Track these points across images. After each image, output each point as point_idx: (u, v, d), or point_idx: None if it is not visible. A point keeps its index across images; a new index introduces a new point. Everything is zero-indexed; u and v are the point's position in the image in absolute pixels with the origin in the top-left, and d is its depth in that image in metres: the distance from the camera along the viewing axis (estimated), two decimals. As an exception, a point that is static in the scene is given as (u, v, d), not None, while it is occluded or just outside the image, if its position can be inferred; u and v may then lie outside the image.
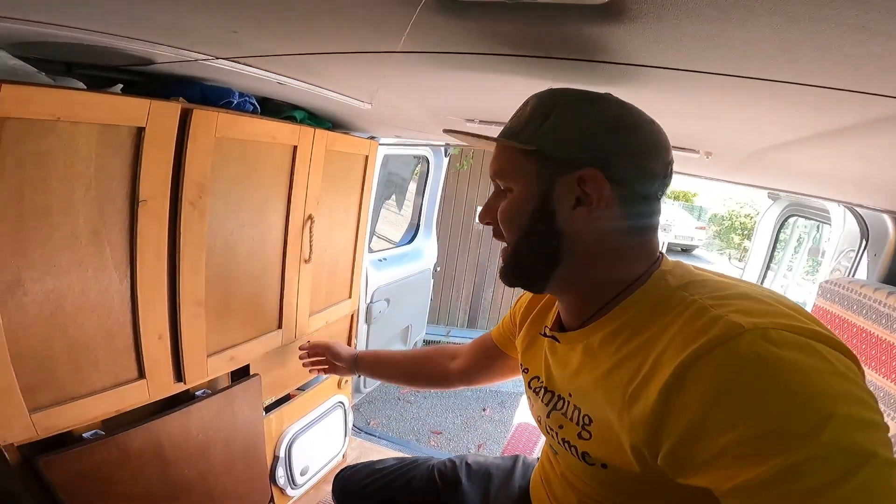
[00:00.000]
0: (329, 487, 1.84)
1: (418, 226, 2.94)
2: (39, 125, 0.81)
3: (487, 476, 1.07)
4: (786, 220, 2.55)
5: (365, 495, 1.12)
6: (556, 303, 0.80)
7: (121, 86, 1.00)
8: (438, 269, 3.08)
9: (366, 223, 1.86)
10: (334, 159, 1.56)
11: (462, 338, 4.46)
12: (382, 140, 2.05)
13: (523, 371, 0.88)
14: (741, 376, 0.49)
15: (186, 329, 1.16)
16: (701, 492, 0.51)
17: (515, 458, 1.11)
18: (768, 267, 2.69)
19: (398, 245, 2.94)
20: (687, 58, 0.57)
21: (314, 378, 1.85)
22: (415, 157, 2.96)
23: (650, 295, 0.63)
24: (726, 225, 12.14)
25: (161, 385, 1.16)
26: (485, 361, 1.11)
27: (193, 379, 1.24)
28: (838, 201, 1.75)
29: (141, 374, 1.11)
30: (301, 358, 1.43)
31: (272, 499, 1.71)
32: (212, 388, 1.35)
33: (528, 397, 0.86)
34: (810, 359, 0.49)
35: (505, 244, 0.70)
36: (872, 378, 1.31)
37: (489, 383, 1.18)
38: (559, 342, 0.75)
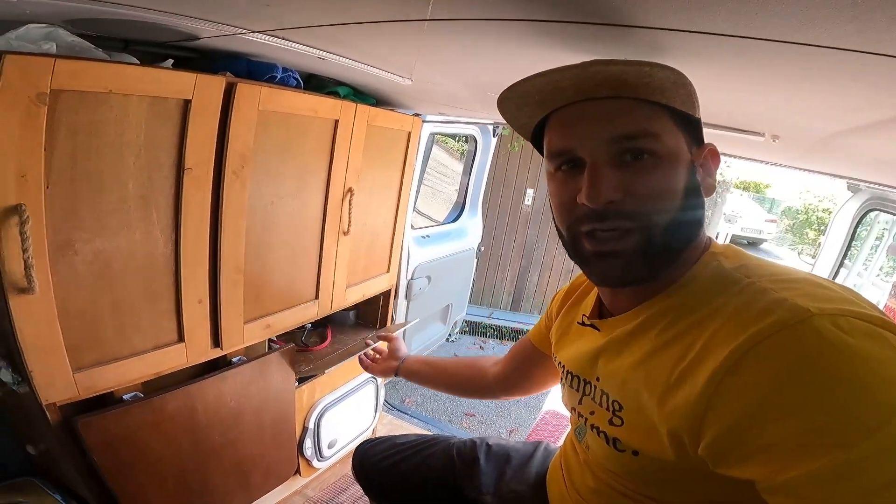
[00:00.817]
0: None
1: (464, 204, 2.93)
2: (92, 97, 0.87)
3: (506, 458, 1.07)
4: (865, 214, 2.37)
5: (382, 468, 1.13)
6: (595, 290, 0.77)
7: (171, 61, 1.05)
8: (483, 248, 3.08)
9: (407, 199, 1.88)
10: (376, 134, 1.58)
11: (505, 320, 4.46)
12: (428, 118, 2.05)
13: (556, 362, 0.86)
14: (807, 363, 0.46)
15: (225, 295, 1.22)
16: (735, 486, 0.49)
17: (537, 444, 1.10)
18: (842, 264, 2.51)
19: (442, 223, 2.95)
20: (744, 24, 0.51)
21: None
22: (462, 136, 2.93)
23: (701, 276, 0.60)
24: (801, 219, 11.37)
25: (199, 349, 1.23)
26: (523, 367, 1.07)
27: (230, 345, 1.30)
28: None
29: (180, 338, 1.17)
30: (366, 345, 1.41)
31: (298, 470, 1.77)
32: (247, 356, 1.41)
33: (562, 385, 0.84)
34: (881, 349, 0.45)
35: (627, 227, 0.58)
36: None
37: (529, 393, 1.13)
38: (599, 330, 0.72)
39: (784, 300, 0.49)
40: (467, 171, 2.88)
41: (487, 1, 0.61)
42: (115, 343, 1.05)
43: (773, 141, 1.19)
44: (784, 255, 10.97)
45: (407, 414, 2.54)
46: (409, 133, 1.77)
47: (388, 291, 1.99)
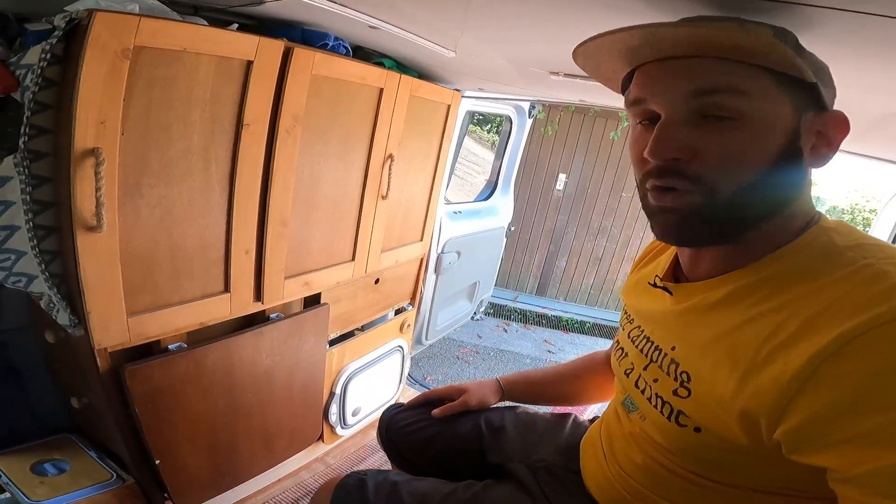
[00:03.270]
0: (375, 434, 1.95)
1: (496, 183, 2.96)
2: (169, 54, 0.94)
3: (534, 426, 1.05)
4: None
5: (407, 433, 1.09)
6: (672, 248, 0.75)
7: (236, 25, 1.11)
8: (513, 228, 3.11)
9: (443, 170, 1.93)
10: (417, 105, 1.63)
11: (530, 305, 4.50)
12: (467, 93, 2.08)
13: (626, 318, 0.83)
14: None
15: (270, 247, 1.30)
16: (799, 472, 0.49)
17: (566, 415, 1.08)
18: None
19: (475, 200, 2.99)
20: None
21: (379, 317, 1.96)
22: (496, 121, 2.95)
23: (807, 251, 0.56)
24: (846, 219, 10.92)
25: (242, 302, 1.30)
26: None
27: (271, 300, 1.38)
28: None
29: (226, 288, 1.25)
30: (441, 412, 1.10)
31: (322, 436, 1.82)
32: (284, 314, 1.48)
33: (622, 348, 0.80)
34: None
35: (686, 186, 0.55)
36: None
37: None
38: (671, 294, 0.68)
39: None
40: (501, 150, 2.91)
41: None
42: (168, 289, 1.13)
43: None
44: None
45: (429, 388, 2.59)
46: (449, 106, 1.82)
47: (420, 260, 2.05)
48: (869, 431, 0.43)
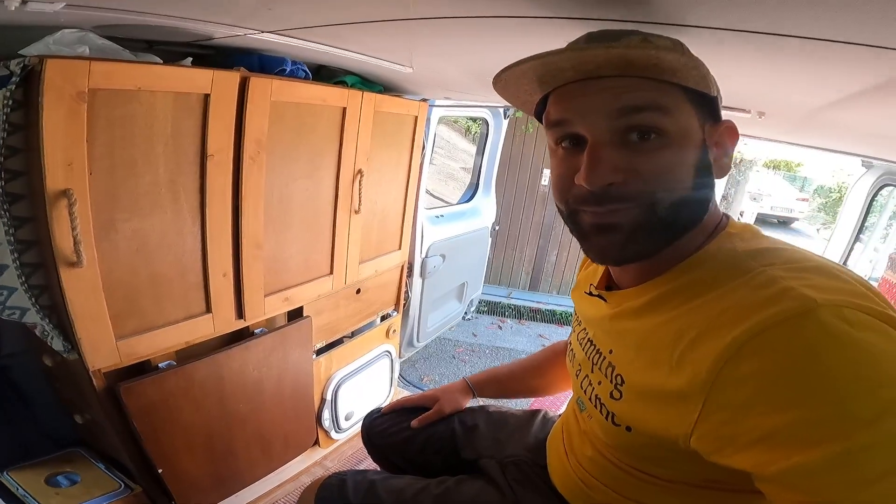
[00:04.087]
0: None
1: (477, 185, 3.02)
2: (124, 94, 1.00)
3: (504, 423, 1.10)
4: (879, 189, 2.39)
5: (387, 435, 1.15)
6: None
7: (191, 59, 1.17)
8: (498, 227, 3.16)
9: (417, 179, 1.99)
10: (384, 119, 1.69)
11: (523, 300, 4.55)
12: (438, 102, 2.14)
13: (576, 320, 0.86)
14: (810, 354, 0.45)
15: (247, 269, 1.36)
16: (725, 470, 0.49)
17: (536, 412, 1.12)
18: (857, 239, 2.52)
19: (457, 203, 3.05)
20: (730, 17, 0.57)
21: (364, 325, 2.02)
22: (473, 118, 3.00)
23: (714, 258, 0.58)
24: (834, 197, 10.98)
25: (224, 320, 1.37)
26: None
27: (252, 316, 1.44)
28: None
29: (208, 309, 1.31)
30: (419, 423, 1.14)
31: (317, 441, 1.90)
32: (268, 328, 1.54)
33: (573, 350, 0.84)
34: (885, 343, 0.45)
35: (626, 206, 0.57)
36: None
37: None
38: (605, 301, 0.71)
39: (791, 289, 0.48)
40: (480, 152, 2.96)
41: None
42: (151, 313, 1.19)
43: (760, 117, 1.25)
44: (814, 235, 10.69)
45: (421, 389, 2.64)
46: (416, 117, 1.87)
47: (401, 267, 2.11)
48: (772, 432, 0.45)
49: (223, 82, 1.15)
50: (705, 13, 0.57)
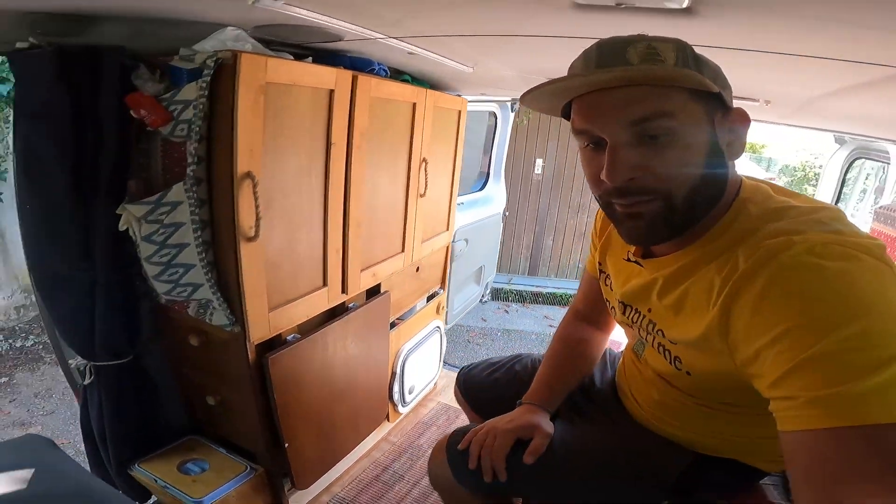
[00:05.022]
0: (426, 410, 2.33)
1: (488, 174, 3.24)
2: (283, 87, 1.16)
3: None
4: (852, 162, 2.72)
5: (484, 385, 1.27)
6: None
7: (311, 58, 1.34)
8: (507, 213, 3.40)
9: (460, 167, 2.21)
10: (438, 114, 1.90)
11: (524, 285, 4.83)
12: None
13: (604, 281, 0.99)
14: (783, 282, 0.56)
15: (351, 245, 1.53)
16: None
17: (606, 351, 1.23)
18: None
19: (471, 191, 3.26)
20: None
21: (425, 296, 2.22)
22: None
23: (732, 225, 0.68)
24: (799, 175, 11.75)
25: (334, 294, 1.53)
26: (600, 297, 1.06)
27: (353, 290, 1.60)
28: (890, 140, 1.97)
29: (324, 283, 1.48)
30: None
31: (387, 415, 2.03)
32: (357, 303, 1.70)
33: (613, 308, 0.96)
34: (851, 266, 0.54)
35: (647, 198, 0.66)
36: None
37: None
38: (643, 267, 0.82)
39: (778, 237, 0.60)
40: (490, 143, 3.19)
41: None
42: (289, 286, 1.35)
43: (766, 105, 1.53)
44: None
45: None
46: (459, 112, 2.09)
47: (446, 248, 2.32)
48: (764, 349, 0.56)
49: (342, 79, 1.34)
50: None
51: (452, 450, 1.04)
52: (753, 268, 0.59)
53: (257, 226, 1.15)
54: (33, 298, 3.55)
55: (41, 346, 3.28)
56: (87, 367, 1.34)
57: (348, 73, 1.36)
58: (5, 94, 3.12)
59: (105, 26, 1.05)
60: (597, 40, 0.68)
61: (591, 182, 0.73)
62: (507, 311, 4.53)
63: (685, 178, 0.65)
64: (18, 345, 3.25)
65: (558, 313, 4.52)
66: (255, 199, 1.12)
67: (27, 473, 0.88)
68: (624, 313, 0.89)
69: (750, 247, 0.62)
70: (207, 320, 1.24)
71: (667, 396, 0.87)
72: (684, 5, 0.70)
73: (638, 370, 0.95)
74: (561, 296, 4.70)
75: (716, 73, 0.66)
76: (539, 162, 4.65)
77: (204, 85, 1.04)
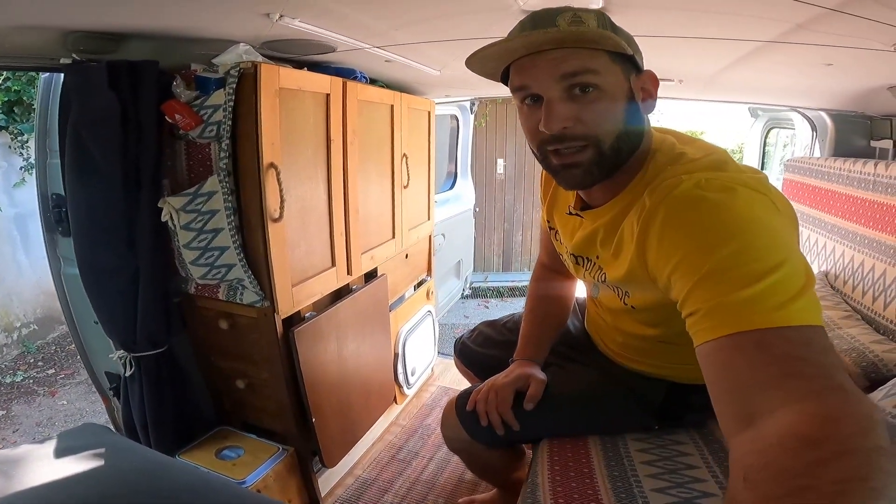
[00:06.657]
0: (427, 395, 2.46)
1: (455, 173, 3.49)
2: (292, 92, 1.39)
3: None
4: (768, 132, 3.08)
5: (479, 355, 1.45)
6: None
7: (305, 68, 1.57)
8: (478, 209, 3.65)
9: (434, 162, 2.45)
10: (412, 114, 2.14)
11: (500, 281, 5.10)
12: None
13: (554, 237, 1.09)
14: (675, 214, 0.66)
15: (353, 229, 1.74)
16: None
17: (576, 300, 1.37)
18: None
19: (441, 191, 3.48)
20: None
21: (415, 283, 2.42)
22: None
23: (647, 174, 0.79)
24: (738, 157, 12.53)
25: (341, 274, 1.72)
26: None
27: (356, 271, 1.80)
28: (789, 107, 2.35)
29: (333, 263, 1.68)
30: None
31: (395, 397, 2.15)
32: (359, 286, 1.89)
33: (566, 260, 1.06)
34: (727, 196, 0.63)
35: (582, 145, 0.75)
36: (824, 219, 1.89)
37: None
38: (582, 218, 0.92)
39: (675, 177, 0.70)
40: (454, 144, 3.44)
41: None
42: (304, 265, 1.55)
43: (680, 83, 1.84)
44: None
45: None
46: (429, 112, 2.35)
47: (429, 237, 2.54)
48: (670, 276, 0.65)
49: (335, 85, 1.57)
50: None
51: (462, 412, 1.16)
52: (654, 205, 0.70)
53: (282, 207, 1.35)
54: (14, 337, 3.62)
55: (32, 381, 3.31)
56: (128, 360, 1.48)
57: (339, 80, 1.59)
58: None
59: (132, 43, 1.26)
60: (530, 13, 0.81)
61: (529, 135, 0.82)
62: (487, 307, 4.77)
63: (611, 126, 0.75)
64: (8, 381, 3.27)
65: (534, 302, 4.76)
66: (280, 184, 1.33)
67: (99, 452, 0.92)
68: (577, 263, 1.00)
69: (653, 188, 0.73)
70: (238, 300, 1.42)
71: (629, 338, 1.01)
72: (600, 6, 0.96)
73: (601, 317, 1.09)
74: (535, 287, 4.95)
75: (629, 40, 0.77)
76: (500, 162, 4.97)
77: (231, 91, 1.25)
